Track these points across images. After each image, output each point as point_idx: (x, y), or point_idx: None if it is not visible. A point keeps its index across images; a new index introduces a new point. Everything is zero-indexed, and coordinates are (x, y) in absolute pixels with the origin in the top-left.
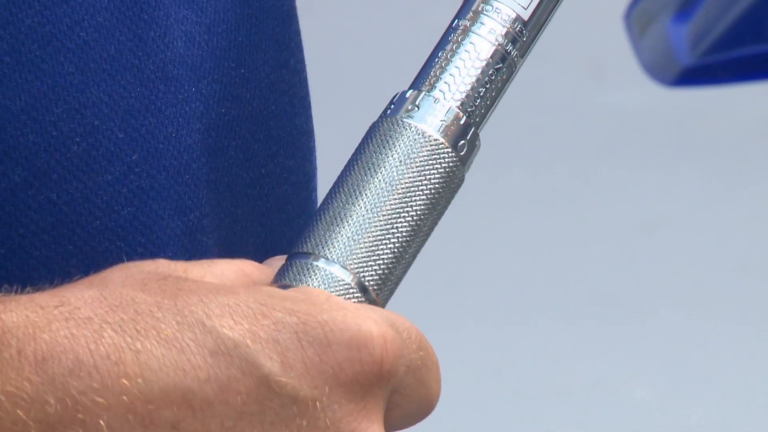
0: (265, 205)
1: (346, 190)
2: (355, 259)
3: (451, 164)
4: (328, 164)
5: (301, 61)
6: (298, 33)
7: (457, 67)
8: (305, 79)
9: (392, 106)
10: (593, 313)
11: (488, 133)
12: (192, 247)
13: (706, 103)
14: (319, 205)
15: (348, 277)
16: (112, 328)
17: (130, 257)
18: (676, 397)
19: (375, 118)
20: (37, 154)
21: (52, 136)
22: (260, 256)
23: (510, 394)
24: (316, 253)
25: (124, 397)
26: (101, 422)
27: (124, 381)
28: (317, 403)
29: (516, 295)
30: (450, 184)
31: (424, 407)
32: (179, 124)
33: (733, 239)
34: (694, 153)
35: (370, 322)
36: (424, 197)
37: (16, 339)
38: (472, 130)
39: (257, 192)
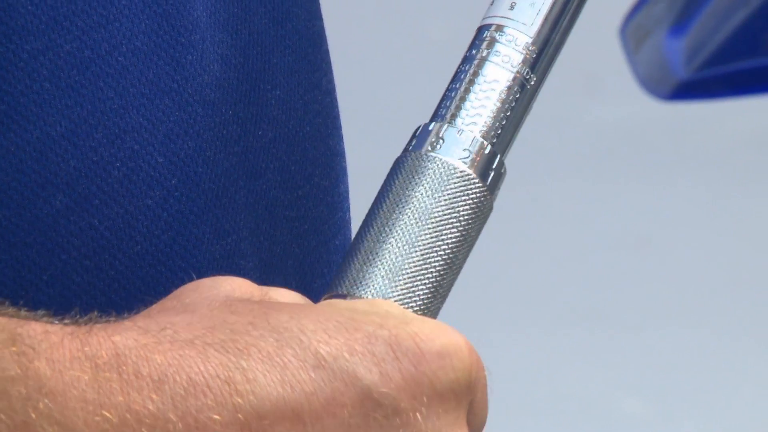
0: (303, 226)
1: (377, 228)
2: (392, 297)
3: (479, 194)
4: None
5: (331, 81)
6: (327, 53)
7: (477, 97)
8: (335, 99)
9: (415, 140)
10: (584, 326)
11: None
12: (231, 270)
13: (699, 117)
14: (350, 245)
15: None
16: (214, 348)
17: (171, 282)
18: (666, 411)
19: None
20: (78, 180)
21: (92, 162)
22: (299, 278)
23: (500, 406)
24: (353, 293)
25: (239, 415)
26: None
27: (238, 399)
28: (417, 414)
29: (507, 308)
30: (480, 214)
31: (479, 429)
32: (217, 147)
33: (724, 252)
34: (686, 167)
35: (453, 332)
36: (456, 229)
37: (131, 360)
38: (498, 157)
39: (295, 214)
